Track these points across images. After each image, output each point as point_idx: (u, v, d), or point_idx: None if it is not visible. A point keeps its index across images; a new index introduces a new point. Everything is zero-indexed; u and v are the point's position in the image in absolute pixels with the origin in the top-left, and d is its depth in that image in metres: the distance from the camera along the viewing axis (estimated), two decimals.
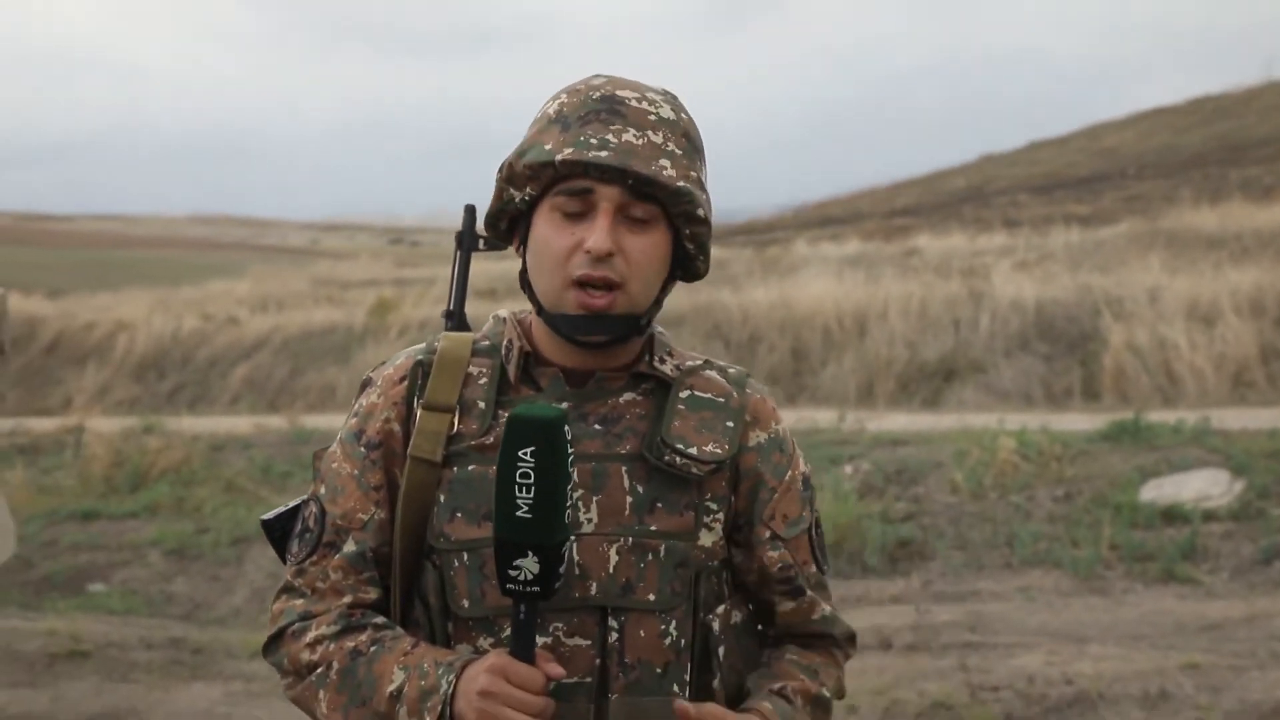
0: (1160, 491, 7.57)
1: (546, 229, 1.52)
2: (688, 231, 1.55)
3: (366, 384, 1.63)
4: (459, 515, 1.52)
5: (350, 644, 1.51)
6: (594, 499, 1.51)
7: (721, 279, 16.34)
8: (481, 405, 1.56)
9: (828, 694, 1.60)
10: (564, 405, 1.53)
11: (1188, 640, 5.60)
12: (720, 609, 1.56)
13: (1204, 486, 7.55)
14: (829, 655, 1.65)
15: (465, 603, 1.51)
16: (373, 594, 1.56)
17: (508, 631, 1.46)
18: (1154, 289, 12.83)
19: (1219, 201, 20.70)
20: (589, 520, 1.51)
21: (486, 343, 1.61)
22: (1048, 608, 6.30)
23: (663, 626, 1.51)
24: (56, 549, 8.21)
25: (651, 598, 1.50)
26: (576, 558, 1.49)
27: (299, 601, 1.56)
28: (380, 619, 1.54)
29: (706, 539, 1.55)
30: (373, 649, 1.50)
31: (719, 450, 1.53)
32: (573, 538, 1.46)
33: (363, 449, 1.58)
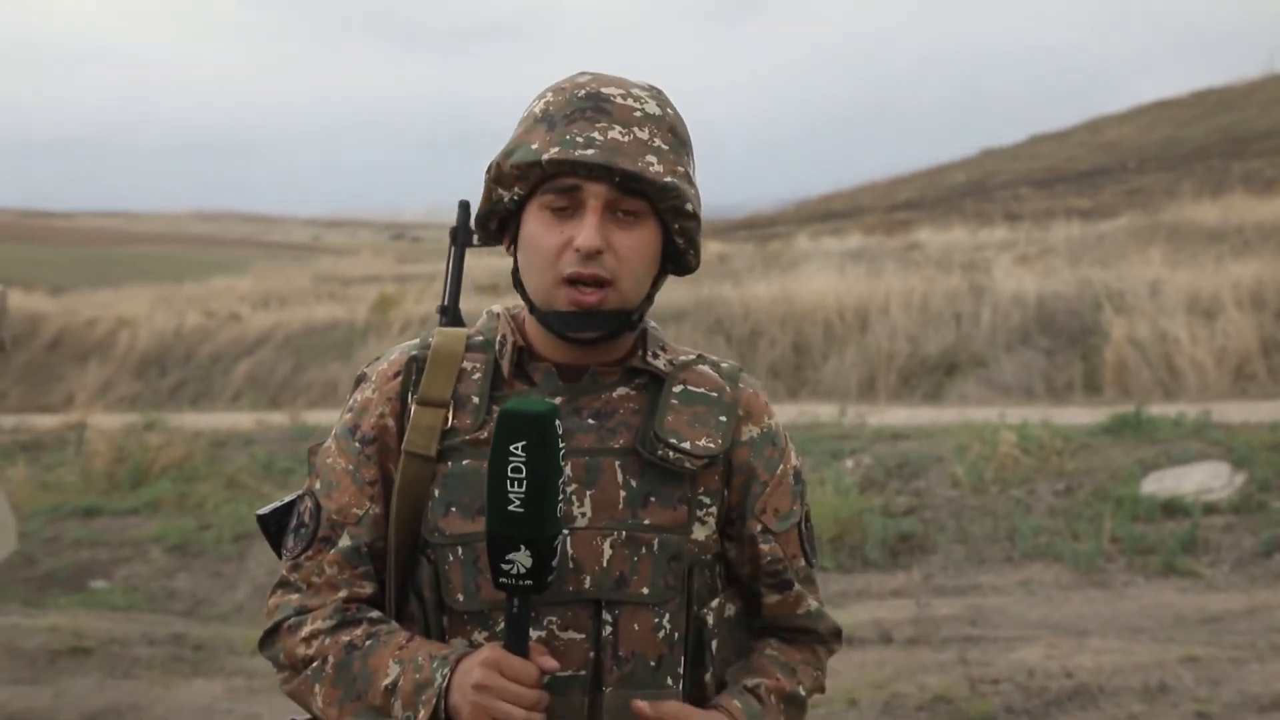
0: (1161, 484, 7.57)
1: (536, 227, 1.52)
2: (677, 226, 1.55)
3: (361, 379, 1.64)
4: (453, 510, 1.53)
5: (345, 638, 1.52)
6: (588, 493, 1.52)
7: (723, 274, 16.34)
8: (475, 400, 1.56)
9: (803, 692, 1.61)
10: (557, 400, 1.54)
11: (1188, 633, 5.61)
12: (714, 603, 1.57)
13: (1205, 479, 7.55)
14: (811, 651, 1.65)
15: (460, 597, 1.52)
16: (368, 588, 1.57)
17: (502, 625, 1.47)
18: (1155, 282, 12.82)
19: (1220, 195, 20.70)
20: (583, 514, 1.51)
21: (480, 338, 1.62)
22: (1048, 601, 6.30)
23: (656, 620, 1.52)
24: (58, 545, 8.23)
25: (645, 591, 1.51)
26: (570, 552, 1.50)
27: (294, 596, 1.57)
28: (375, 613, 1.55)
29: (699, 533, 1.55)
30: (368, 643, 1.51)
31: (712, 445, 1.54)
32: (566, 531, 1.47)
33: (357, 444, 1.58)
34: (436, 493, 1.54)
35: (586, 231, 1.48)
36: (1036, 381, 12.10)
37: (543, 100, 1.55)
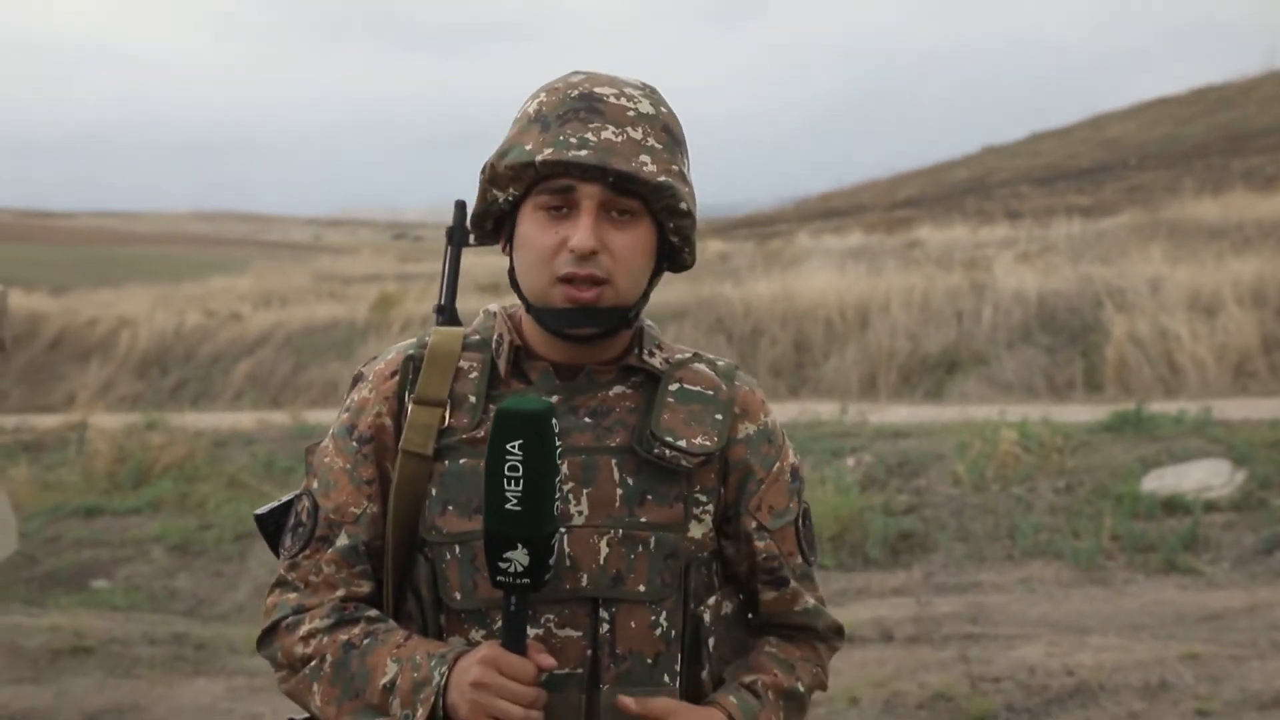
0: (1161, 482, 7.57)
1: (531, 228, 1.53)
2: (671, 225, 1.55)
3: (358, 379, 1.64)
4: (450, 508, 1.53)
5: (343, 637, 1.52)
6: (584, 492, 1.52)
7: (724, 272, 16.34)
8: (472, 399, 1.57)
9: (802, 689, 1.61)
10: (554, 399, 1.54)
11: (1188, 630, 5.61)
12: (711, 600, 1.57)
13: (1205, 477, 7.55)
14: (810, 648, 1.65)
15: (457, 595, 1.52)
16: (365, 587, 1.57)
17: (499, 623, 1.47)
18: (1156, 280, 12.82)
19: (1221, 191, 20.69)
20: (579, 513, 1.52)
21: (477, 337, 1.62)
22: (1049, 599, 6.31)
23: (653, 617, 1.52)
24: (60, 545, 8.23)
25: (642, 589, 1.51)
26: (568, 550, 1.50)
27: (292, 595, 1.57)
28: (373, 612, 1.56)
29: (696, 530, 1.56)
30: (366, 642, 1.51)
31: (708, 442, 1.54)
32: (563, 530, 1.47)
33: (355, 443, 1.59)
34: (434, 491, 1.54)
35: (581, 232, 1.49)
36: (1037, 379, 12.10)
37: (536, 100, 1.54)
